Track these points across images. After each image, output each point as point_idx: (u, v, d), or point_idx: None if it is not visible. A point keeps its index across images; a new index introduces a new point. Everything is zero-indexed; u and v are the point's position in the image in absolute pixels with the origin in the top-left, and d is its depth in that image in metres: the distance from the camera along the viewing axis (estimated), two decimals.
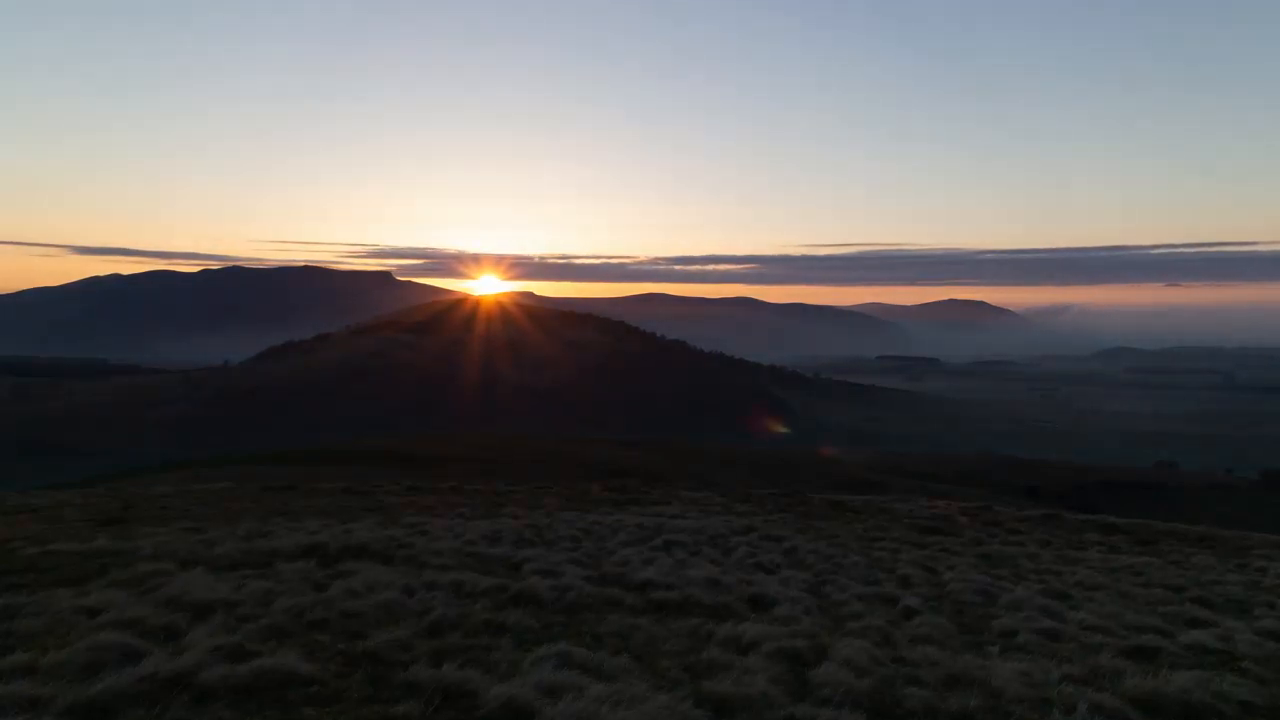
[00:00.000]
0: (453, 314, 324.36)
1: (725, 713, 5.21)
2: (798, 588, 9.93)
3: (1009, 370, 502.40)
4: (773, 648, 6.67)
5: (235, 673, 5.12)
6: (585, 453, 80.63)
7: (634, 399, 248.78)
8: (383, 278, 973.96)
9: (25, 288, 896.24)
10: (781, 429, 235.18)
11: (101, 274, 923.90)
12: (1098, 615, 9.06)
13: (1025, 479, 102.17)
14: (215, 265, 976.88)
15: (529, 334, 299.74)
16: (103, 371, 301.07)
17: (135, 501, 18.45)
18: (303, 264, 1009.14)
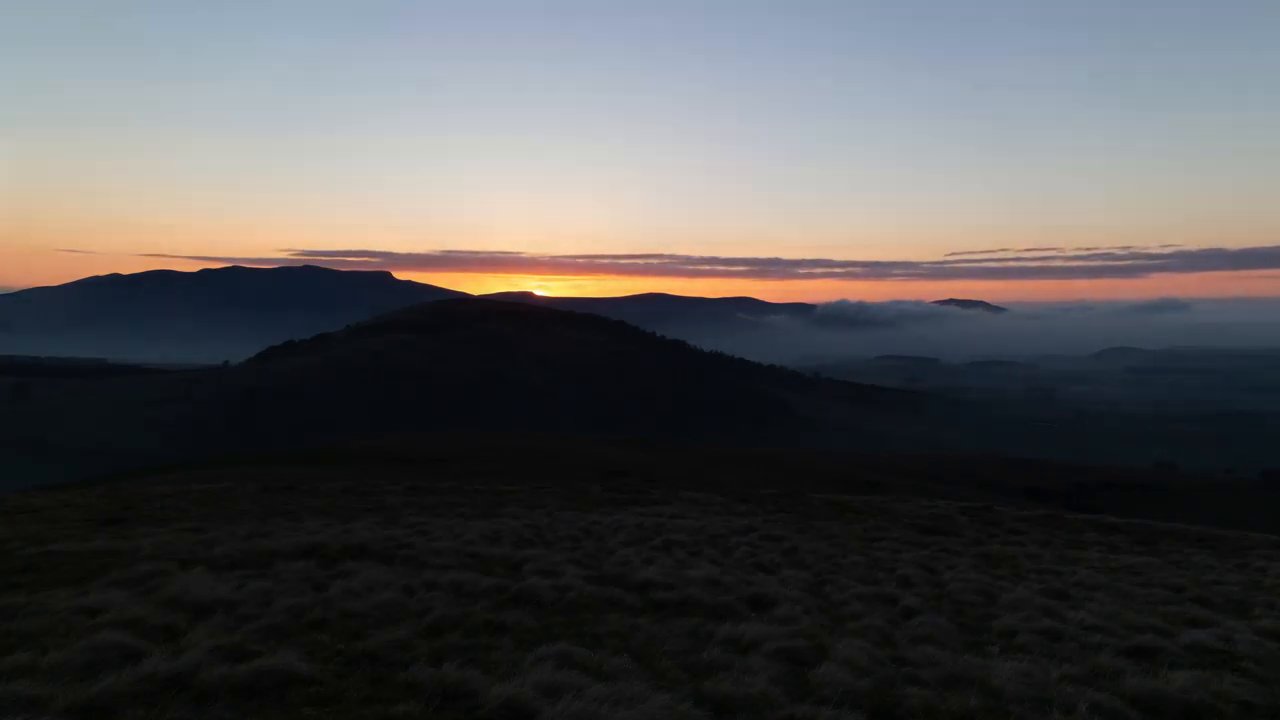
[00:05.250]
0: (453, 313, 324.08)
1: (725, 713, 5.21)
2: (798, 588, 9.93)
3: (1009, 370, 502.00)
4: (773, 648, 6.68)
5: (235, 673, 5.12)
6: (585, 453, 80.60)
7: (634, 399, 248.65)
8: (382, 278, 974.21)
9: (25, 288, 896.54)
10: (780, 429, 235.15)
11: (101, 274, 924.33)
12: (1098, 615, 9.06)
13: (1025, 479, 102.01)
14: (215, 265, 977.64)
15: (529, 334, 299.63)
16: (103, 371, 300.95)
17: (135, 501, 18.45)
18: (302, 264, 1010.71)
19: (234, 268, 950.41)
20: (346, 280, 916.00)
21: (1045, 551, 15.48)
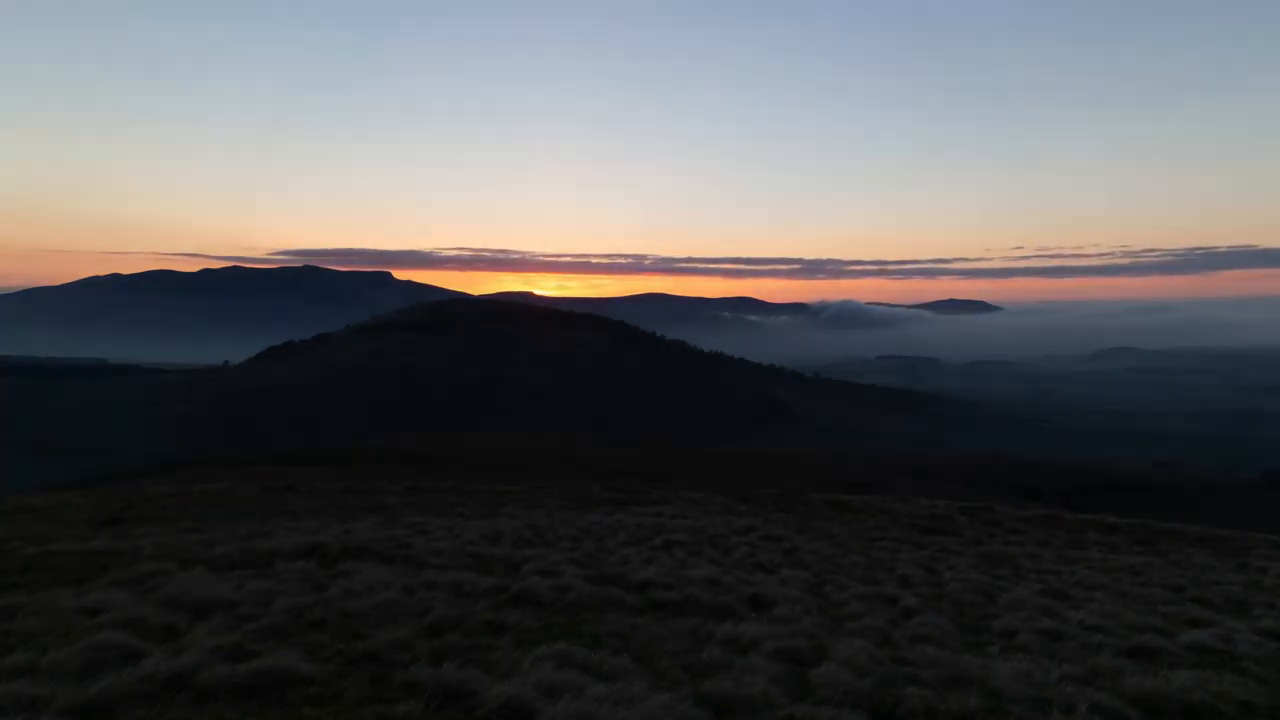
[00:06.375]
0: (453, 313, 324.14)
1: (725, 713, 5.21)
2: (797, 588, 9.93)
3: (1009, 370, 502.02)
4: (773, 647, 6.67)
5: (235, 673, 5.11)
6: (585, 453, 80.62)
7: (634, 399, 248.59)
8: (383, 278, 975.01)
9: (25, 287, 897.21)
10: (780, 429, 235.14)
11: (101, 274, 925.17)
12: (1098, 615, 9.06)
13: (1025, 479, 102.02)
14: (215, 265, 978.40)
15: (529, 334, 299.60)
16: (103, 371, 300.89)
17: (135, 501, 18.46)
18: (302, 264, 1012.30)
19: (234, 268, 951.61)
20: (346, 280, 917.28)
21: (1045, 551, 15.49)
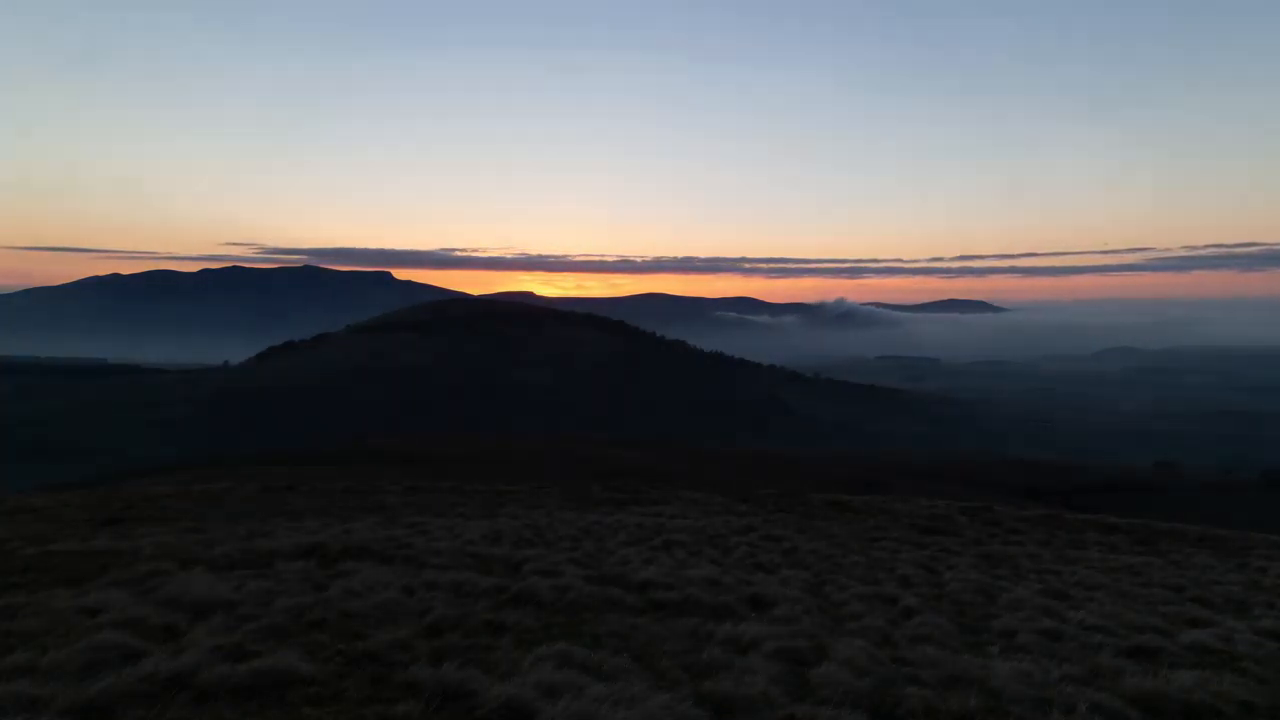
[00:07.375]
0: (453, 313, 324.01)
1: (725, 712, 5.21)
2: (797, 587, 9.93)
3: (1009, 370, 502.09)
4: (773, 647, 6.67)
5: (235, 673, 5.11)
6: (585, 453, 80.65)
7: (634, 399, 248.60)
8: (383, 277, 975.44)
9: (25, 287, 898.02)
10: (781, 429, 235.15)
11: (101, 274, 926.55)
12: (1098, 615, 9.07)
13: (1025, 479, 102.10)
14: (215, 265, 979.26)
15: (529, 334, 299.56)
16: (103, 371, 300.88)
17: (135, 501, 18.46)
18: (302, 264, 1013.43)
19: (234, 268, 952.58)
20: (346, 280, 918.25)
21: (1045, 551, 15.49)
